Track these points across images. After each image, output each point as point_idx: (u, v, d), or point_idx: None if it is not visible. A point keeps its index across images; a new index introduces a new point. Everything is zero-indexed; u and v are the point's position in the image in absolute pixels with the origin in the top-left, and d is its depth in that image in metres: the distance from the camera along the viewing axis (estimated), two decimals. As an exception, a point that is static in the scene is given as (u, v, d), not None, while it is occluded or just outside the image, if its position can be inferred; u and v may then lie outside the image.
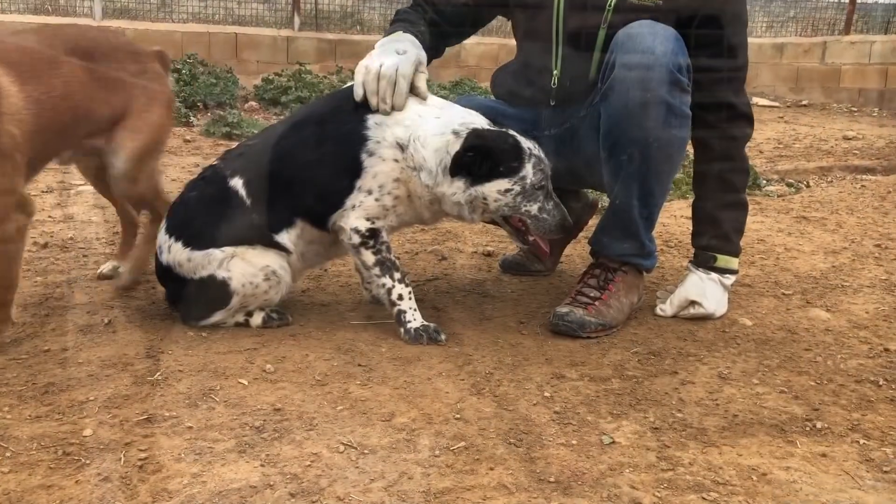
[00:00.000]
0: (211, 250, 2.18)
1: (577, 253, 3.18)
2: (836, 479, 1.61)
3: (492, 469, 1.61)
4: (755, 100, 9.35)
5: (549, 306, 2.54)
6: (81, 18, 7.72)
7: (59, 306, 2.46)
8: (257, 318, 2.31)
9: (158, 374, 1.98)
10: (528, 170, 2.16)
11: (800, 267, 3.15)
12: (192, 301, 2.25)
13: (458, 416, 1.82)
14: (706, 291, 2.48)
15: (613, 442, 1.73)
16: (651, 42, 2.20)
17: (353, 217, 2.20)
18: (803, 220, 3.93)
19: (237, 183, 2.21)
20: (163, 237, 2.25)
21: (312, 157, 2.19)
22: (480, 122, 2.24)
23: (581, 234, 3.08)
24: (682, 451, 1.69)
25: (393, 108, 2.17)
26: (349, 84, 2.36)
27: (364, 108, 2.19)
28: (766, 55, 10.54)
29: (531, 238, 2.28)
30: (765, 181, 4.96)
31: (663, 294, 2.59)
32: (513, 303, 2.62)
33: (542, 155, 2.22)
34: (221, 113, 6.38)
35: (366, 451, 1.66)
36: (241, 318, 2.31)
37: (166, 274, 2.26)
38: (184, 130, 6.19)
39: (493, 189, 2.15)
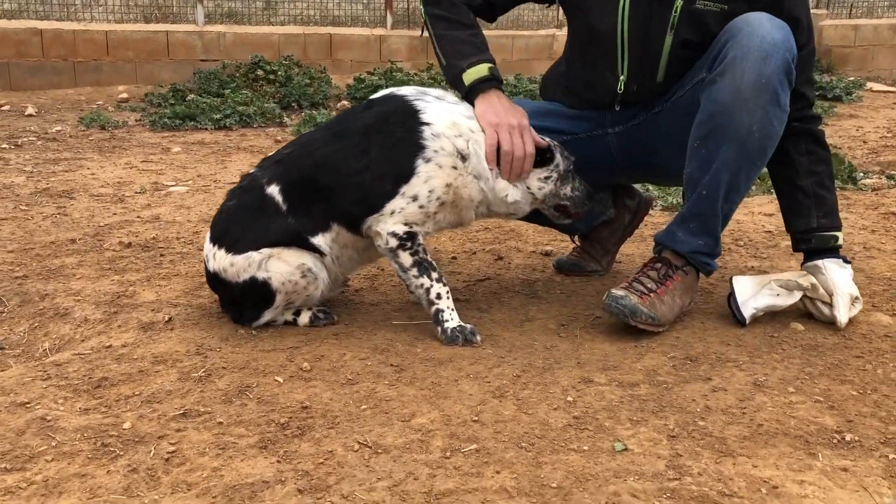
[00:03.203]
0: (250, 253, 2.29)
1: (637, 253, 3.14)
2: (852, 496, 1.56)
3: (498, 472, 1.64)
4: (870, 85, 8.89)
5: (595, 308, 2.54)
6: (185, 25, 8.09)
7: (128, 304, 2.63)
8: (304, 318, 2.41)
9: (203, 370, 2.11)
10: (559, 158, 2.42)
11: (875, 267, 3.01)
12: (241, 304, 2.37)
13: (476, 418, 1.86)
14: (853, 283, 2.41)
15: (626, 449, 1.72)
16: (770, 29, 2.18)
17: (391, 222, 2.27)
18: (893, 216, 3.74)
19: (274, 190, 2.31)
20: (208, 246, 2.38)
21: (356, 163, 2.27)
22: None
23: (637, 233, 3.05)
24: (694, 461, 1.68)
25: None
26: (383, 92, 2.43)
27: (416, 118, 2.27)
28: (883, 37, 9.98)
29: (573, 212, 2.53)
30: (861, 174, 4.71)
31: (815, 300, 2.43)
32: (559, 304, 2.63)
33: (559, 145, 2.45)
34: (312, 113, 6.58)
35: (379, 451, 1.72)
36: (289, 316, 2.42)
37: (215, 280, 2.38)
38: (276, 131, 6.43)
39: (535, 179, 2.40)
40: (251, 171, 2.47)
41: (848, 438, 1.76)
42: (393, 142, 2.28)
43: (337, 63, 8.21)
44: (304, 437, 1.77)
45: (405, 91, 2.41)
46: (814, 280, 2.42)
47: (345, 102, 7.52)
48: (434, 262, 2.34)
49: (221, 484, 1.59)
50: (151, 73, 7.64)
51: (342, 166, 2.28)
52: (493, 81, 2.37)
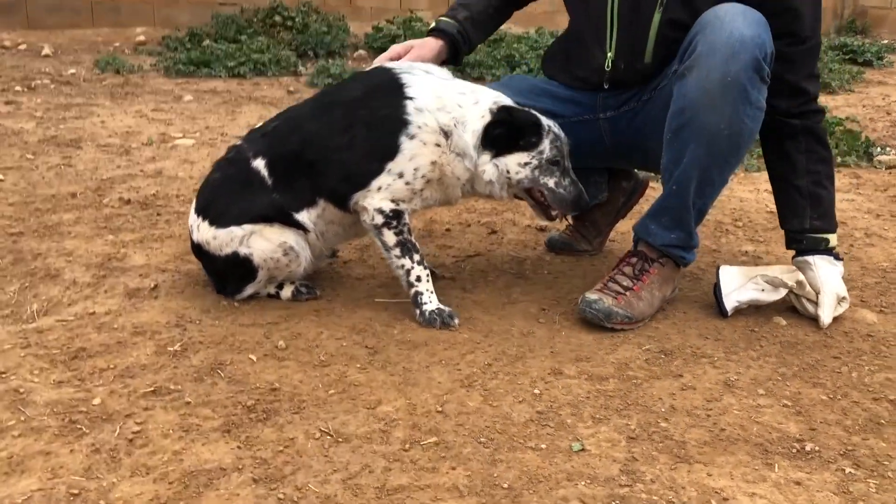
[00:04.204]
0: (232, 228, 2.30)
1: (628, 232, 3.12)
2: (800, 511, 1.56)
3: (453, 469, 1.66)
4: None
5: (578, 292, 2.52)
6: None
7: (118, 267, 2.66)
8: (287, 292, 2.43)
9: (179, 344, 2.14)
10: (546, 145, 2.29)
11: (873, 257, 2.98)
12: (223, 277, 2.39)
13: (441, 409, 1.88)
14: (841, 281, 2.39)
15: (583, 449, 1.74)
16: (741, 24, 2.12)
17: (378, 198, 2.27)
18: (902, 199, 3.67)
19: (259, 163, 2.31)
20: (192, 216, 2.39)
21: (341, 139, 2.25)
22: (509, 101, 2.34)
23: (636, 209, 3.02)
24: (649, 466, 1.69)
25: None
26: (375, 65, 2.41)
27: (401, 93, 2.24)
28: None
29: (554, 213, 2.39)
30: (878, 149, 4.60)
31: (800, 297, 2.42)
32: (544, 286, 2.62)
33: (562, 133, 2.32)
34: (325, 64, 6.52)
35: (340, 440, 1.75)
36: (272, 290, 2.44)
37: (199, 251, 2.40)
38: (290, 80, 6.40)
39: (514, 161, 2.29)
40: (237, 142, 2.46)
41: (808, 448, 1.76)
42: (378, 117, 2.26)
43: (356, 10, 8.11)
44: (268, 423, 1.80)
45: (393, 64, 2.39)
46: (801, 277, 2.40)
47: (361, 52, 7.46)
48: (417, 244, 2.33)
49: (180, 469, 1.62)
50: (169, 15, 7.59)
51: (328, 142, 2.27)
52: (434, 31, 2.57)
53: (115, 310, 2.35)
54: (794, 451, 1.76)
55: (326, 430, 1.78)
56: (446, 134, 2.26)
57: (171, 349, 2.11)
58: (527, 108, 2.32)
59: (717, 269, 2.45)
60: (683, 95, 2.17)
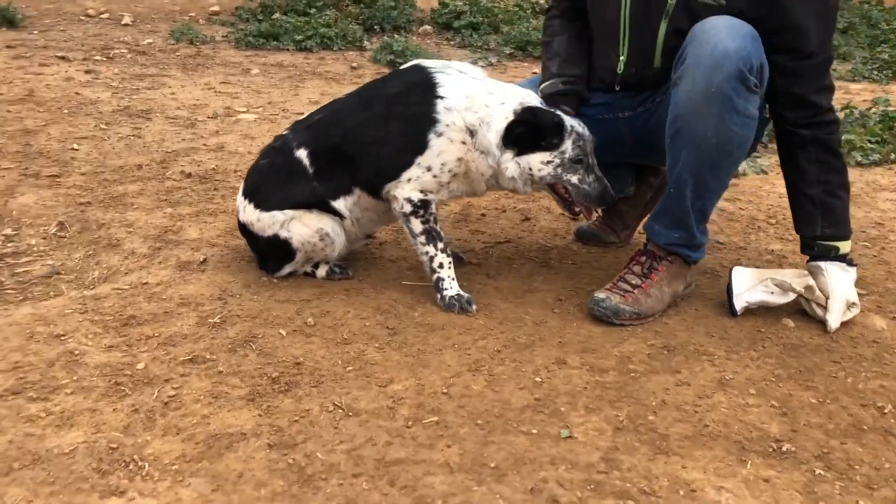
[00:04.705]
0: (274, 213, 2.50)
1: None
2: (762, 507, 1.68)
3: (448, 447, 1.83)
4: None
5: (599, 284, 2.64)
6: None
7: (173, 240, 2.90)
8: (322, 271, 2.63)
9: (219, 316, 2.35)
10: (568, 145, 2.40)
11: (902, 262, 3.00)
12: (265, 255, 2.60)
13: (446, 391, 2.04)
14: (853, 287, 2.46)
15: (570, 437, 1.88)
16: (725, 37, 2.22)
17: (408, 188, 2.43)
18: (945, 202, 3.65)
19: (302, 154, 2.50)
20: (240, 198, 2.60)
21: (377, 132, 2.43)
22: (535, 101, 2.46)
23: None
24: (629, 456, 1.82)
25: None
26: (411, 63, 2.56)
27: (433, 92, 2.40)
28: None
29: (577, 209, 2.51)
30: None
31: (810, 301, 2.47)
32: (566, 276, 2.75)
33: (586, 133, 2.43)
34: (389, 40, 6.67)
35: (350, 414, 1.93)
36: (309, 269, 2.64)
37: (244, 230, 2.61)
38: (355, 55, 6.57)
39: (537, 160, 2.41)
40: (284, 132, 2.65)
41: (784, 448, 1.87)
42: (410, 114, 2.42)
43: (425, -17, 8.19)
44: (289, 394, 2.00)
45: (430, 63, 2.53)
46: (811, 282, 2.47)
47: (427, 27, 7.57)
48: (441, 233, 2.49)
49: (206, 431, 1.84)
50: (243, -15, 7.82)
51: (365, 136, 2.44)
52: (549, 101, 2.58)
53: (165, 281, 2.58)
54: (771, 450, 1.87)
55: (339, 405, 1.96)
56: (472, 132, 2.40)
57: (212, 321, 2.33)
58: (553, 109, 2.44)
59: (731, 269, 2.54)
60: (675, 104, 2.30)
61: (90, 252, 2.80)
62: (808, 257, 2.56)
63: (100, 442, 1.78)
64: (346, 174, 2.49)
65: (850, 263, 2.51)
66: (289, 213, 2.50)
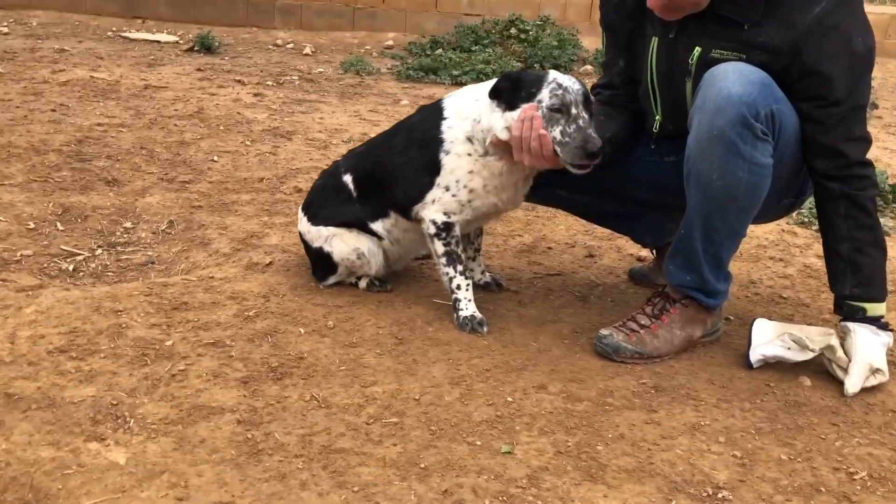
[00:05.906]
0: (321, 228, 2.79)
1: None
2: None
3: (393, 445, 1.99)
4: None
5: (624, 322, 2.69)
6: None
7: (254, 244, 3.24)
8: (363, 283, 2.87)
9: (254, 311, 2.64)
10: (545, 94, 2.41)
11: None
12: (314, 264, 2.89)
13: (418, 398, 2.20)
14: (882, 353, 2.38)
15: (510, 452, 1.98)
16: (731, 82, 2.25)
17: (433, 210, 2.62)
18: None
19: (348, 178, 2.78)
20: (300, 211, 2.91)
21: (401, 159, 2.65)
22: None
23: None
24: (555, 477, 1.89)
25: None
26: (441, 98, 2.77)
27: (439, 114, 2.59)
28: None
29: (570, 164, 2.39)
30: None
31: (832, 362, 2.40)
32: (596, 312, 2.81)
33: (570, 84, 2.41)
34: (539, 78, 6.83)
35: (322, 406, 2.14)
36: (353, 280, 2.89)
37: (301, 238, 2.92)
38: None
39: (518, 112, 2.42)
40: (338, 159, 2.94)
41: (720, 496, 1.85)
42: (424, 138, 2.64)
43: (594, 24, 8.32)
44: (279, 382, 2.24)
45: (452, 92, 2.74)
46: (834, 342, 2.38)
47: (588, 67, 7.68)
48: (462, 255, 2.65)
49: (193, 402, 2.11)
50: (419, 22, 8.34)
51: (391, 164, 2.67)
52: None
53: (229, 277, 2.92)
54: (705, 495, 1.86)
55: (316, 396, 2.18)
56: (470, 139, 2.54)
57: (247, 314, 2.62)
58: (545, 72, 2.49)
59: (753, 320, 2.49)
60: (688, 146, 2.34)
61: (184, 248, 3.21)
62: (840, 317, 2.46)
63: (105, 398, 2.11)
64: (380, 198, 2.72)
65: (884, 328, 2.39)
66: (332, 230, 2.77)
